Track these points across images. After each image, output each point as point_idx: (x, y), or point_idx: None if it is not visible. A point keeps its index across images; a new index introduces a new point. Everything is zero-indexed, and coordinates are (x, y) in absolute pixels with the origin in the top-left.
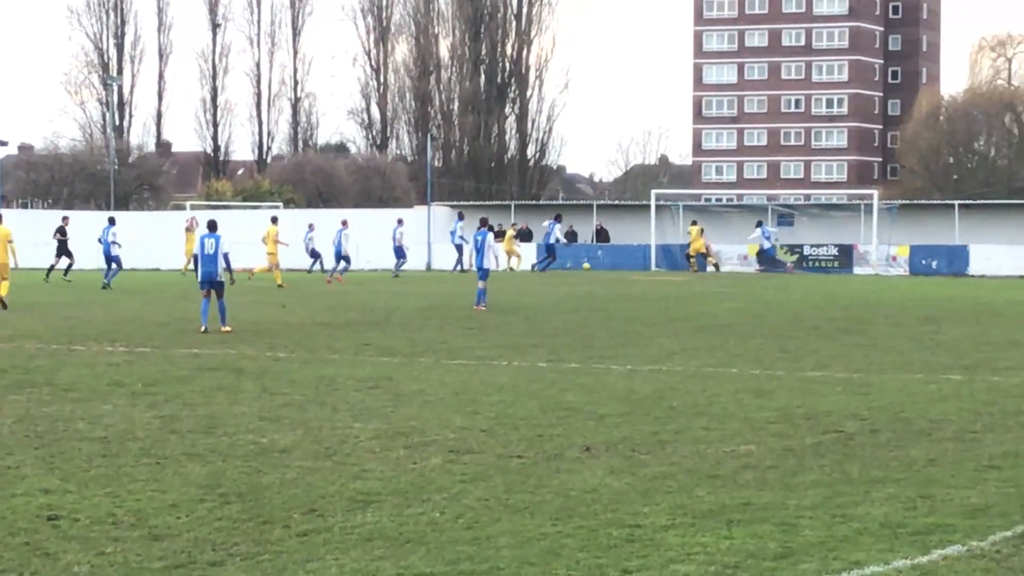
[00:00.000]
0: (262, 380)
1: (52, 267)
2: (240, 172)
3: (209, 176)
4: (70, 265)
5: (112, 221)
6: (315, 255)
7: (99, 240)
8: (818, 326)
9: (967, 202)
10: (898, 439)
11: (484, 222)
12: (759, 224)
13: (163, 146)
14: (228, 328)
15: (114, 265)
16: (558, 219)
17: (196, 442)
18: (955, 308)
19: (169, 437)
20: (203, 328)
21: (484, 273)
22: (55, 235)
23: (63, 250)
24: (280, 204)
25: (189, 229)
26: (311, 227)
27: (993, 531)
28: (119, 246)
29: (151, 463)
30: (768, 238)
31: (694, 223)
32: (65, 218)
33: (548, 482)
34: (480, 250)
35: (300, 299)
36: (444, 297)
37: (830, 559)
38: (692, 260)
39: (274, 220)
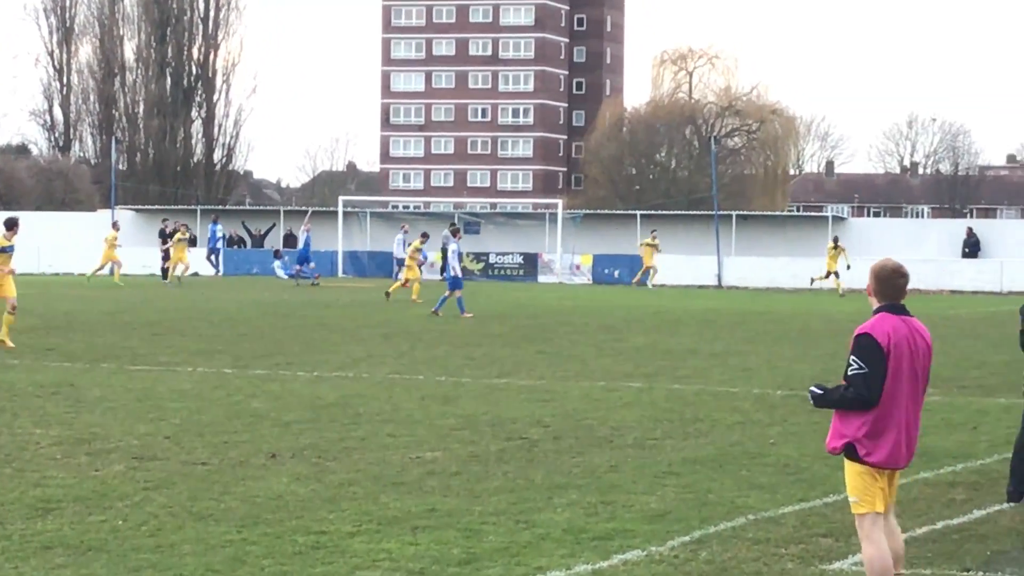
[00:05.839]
0: None
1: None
2: None
3: None
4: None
5: None
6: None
7: None
8: (503, 334)
9: (649, 212)
10: (580, 446)
11: (455, 232)
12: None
13: None
14: None
15: None
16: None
17: None
18: (636, 317)
19: None
20: None
21: (454, 282)
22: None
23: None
24: None
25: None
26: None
27: (672, 536)
28: None
29: None
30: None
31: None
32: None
33: (233, 489)
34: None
35: None
36: (129, 303)
37: (513, 565)
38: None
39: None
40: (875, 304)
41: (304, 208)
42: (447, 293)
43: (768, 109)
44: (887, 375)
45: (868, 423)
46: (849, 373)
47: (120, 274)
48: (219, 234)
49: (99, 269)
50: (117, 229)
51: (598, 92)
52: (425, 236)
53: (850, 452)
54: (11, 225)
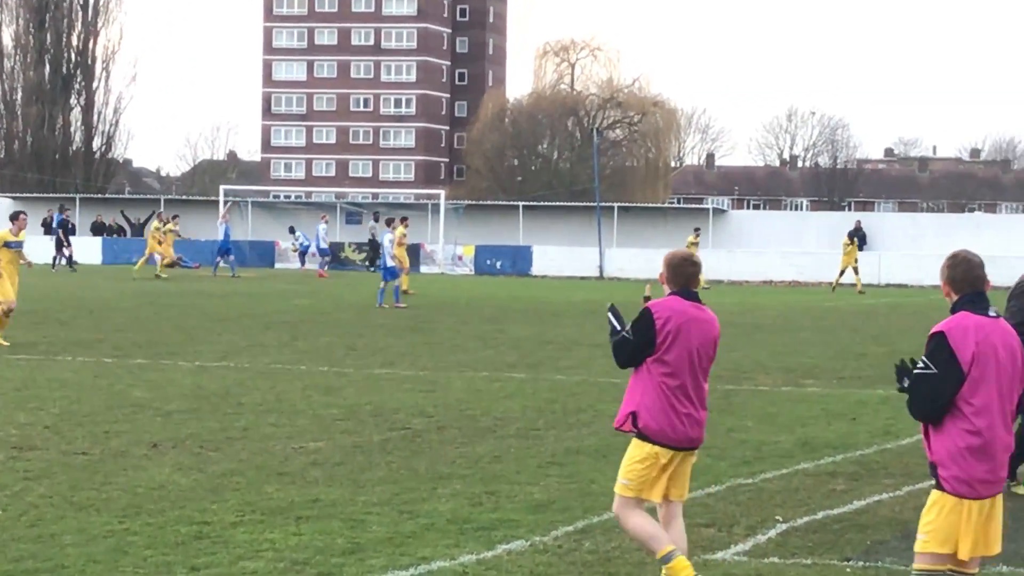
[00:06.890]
0: None
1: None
2: None
3: None
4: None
5: None
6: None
7: None
8: (386, 324)
9: (531, 204)
10: (464, 436)
11: (388, 222)
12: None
13: None
14: None
15: None
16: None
17: None
18: (519, 307)
19: None
20: None
21: (390, 272)
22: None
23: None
24: None
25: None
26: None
27: (555, 526)
28: None
29: None
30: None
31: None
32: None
33: (114, 479)
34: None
35: None
36: None
37: (397, 555)
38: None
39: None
40: (667, 291)
41: (181, 197)
42: (383, 284)
43: (650, 101)
44: (654, 352)
45: (657, 394)
46: (625, 331)
47: (163, 266)
48: (67, 223)
49: (146, 260)
50: (161, 220)
51: (480, 83)
52: (404, 221)
53: (635, 426)
54: (15, 218)
